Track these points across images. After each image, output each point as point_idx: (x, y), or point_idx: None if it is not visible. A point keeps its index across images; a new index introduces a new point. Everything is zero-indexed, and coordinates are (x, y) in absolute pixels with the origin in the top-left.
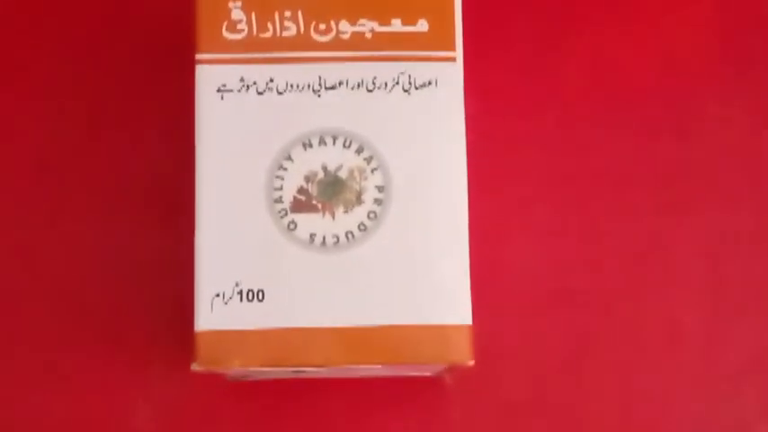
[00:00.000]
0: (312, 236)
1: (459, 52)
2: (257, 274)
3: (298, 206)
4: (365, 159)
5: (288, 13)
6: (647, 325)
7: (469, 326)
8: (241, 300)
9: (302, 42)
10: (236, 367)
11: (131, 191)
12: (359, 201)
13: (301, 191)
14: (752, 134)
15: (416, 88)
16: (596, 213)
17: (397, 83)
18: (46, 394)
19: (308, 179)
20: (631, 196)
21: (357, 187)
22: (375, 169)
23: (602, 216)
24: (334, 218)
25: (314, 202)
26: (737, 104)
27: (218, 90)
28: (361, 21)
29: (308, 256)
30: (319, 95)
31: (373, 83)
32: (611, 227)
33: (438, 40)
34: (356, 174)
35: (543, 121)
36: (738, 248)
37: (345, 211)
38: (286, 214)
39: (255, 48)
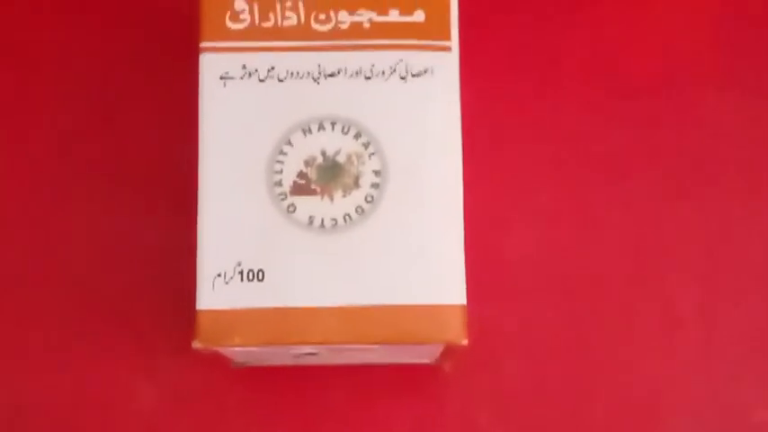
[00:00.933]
0: (311, 218)
1: (454, 42)
2: (258, 255)
3: (297, 189)
4: (363, 145)
5: (288, 4)
6: (644, 311)
7: (463, 306)
8: (242, 279)
9: (302, 32)
10: (236, 345)
11: (136, 175)
12: (356, 185)
13: (301, 175)
14: (749, 122)
15: (413, 76)
16: (593, 200)
17: (394, 71)
18: (50, 376)
19: (307, 164)
20: (629, 183)
21: (355, 172)
22: (372, 154)
23: (600, 203)
24: (332, 201)
25: (313, 185)
26: (735, 93)
27: (221, 78)
28: (360, 11)
29: (307, 237)
30: (318, 83)
31: (371, 71)
32: (608, 214)
33: (434, 30)
34: (354, 158)
35: (539, 110)
36: (734, 236)
37: (343, 195)
38: (286, 197)
39: (257, 37)
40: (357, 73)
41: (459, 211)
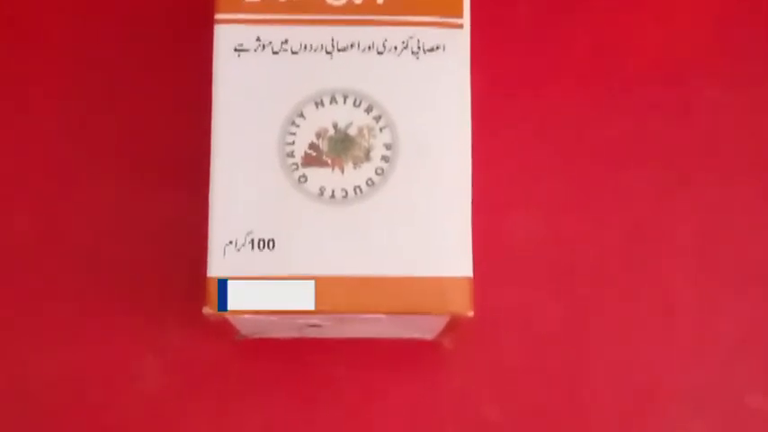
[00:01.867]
0: (322, 189)
1: (466, 19)
2: (269, 224)
3: (309, 161)
4: (374, 118)
5: None
6: (643, 297)
7: (470, 278)
8: (252, 248)
9: (316, 5)
10: (244, 312)
11: (149, 147)
12: (367, 157)
13: (312, 146)
14: (750, 113)
15: (425, 52)
16: (597, 186)
17: (407, 46)
18: (59, 347)
19: (319, 135)
20: (632, 171)
21: (366, 144)
22: (383, 128)
23: (603, 189)
24: (343, 172)
25: (324, 157)
26: (737, 84)
27: (236, 49)
28: None
29: (317, 208)
30: (331, 56)
31: (384, 45)
32: (611, 200)
33: (446, 7)
34: (365, 132)
35: (548, 93)
36: (733, 225)
37: (354, 167)
38: (297, 168)
39: (272, 9)
40: (369, 47)
41: (468, 186)
